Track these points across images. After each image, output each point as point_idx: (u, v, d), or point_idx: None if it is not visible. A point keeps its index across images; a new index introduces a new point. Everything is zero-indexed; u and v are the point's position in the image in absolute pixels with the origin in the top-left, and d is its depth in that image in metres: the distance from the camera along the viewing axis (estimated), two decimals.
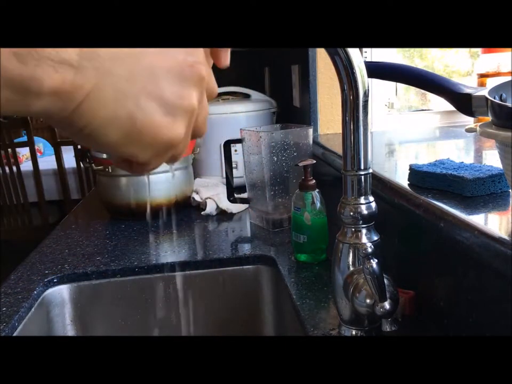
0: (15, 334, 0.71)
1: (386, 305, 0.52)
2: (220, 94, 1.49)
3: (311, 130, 1.05)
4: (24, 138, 2.83)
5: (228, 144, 1.08)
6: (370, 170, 0.57)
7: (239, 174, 1.24)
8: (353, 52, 0.53)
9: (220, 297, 0.90)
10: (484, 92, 0.49)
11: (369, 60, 1.24)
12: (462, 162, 0.67)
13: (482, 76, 1.21)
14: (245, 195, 1.13)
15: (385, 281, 0.53)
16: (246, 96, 1.52)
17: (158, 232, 1.08)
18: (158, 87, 0.32)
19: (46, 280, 0.84)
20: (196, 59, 0.34)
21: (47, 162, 2.98)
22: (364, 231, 0.57)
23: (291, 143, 1.01)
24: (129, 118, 0.31)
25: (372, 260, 0.51)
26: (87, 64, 0.28)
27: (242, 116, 1.38)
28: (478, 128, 0.47)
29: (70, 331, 0.86)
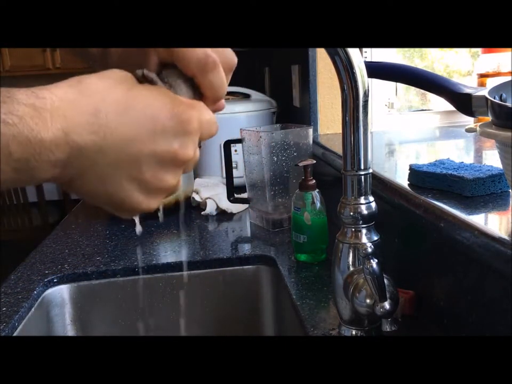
0: (15, 334, 0.71)
1: (386, 305, 0.52)
2: None
3: (311, 130, 1.05)
4: None
5: (227, 144, 1.08)
6: (370, 170, 0.57)
7: (239, 174, 1.23)
8: (353, 52, 0.53)
9: (220, 297, 0.90)
10: (484, 92, 0.49)
11: (369, 60, 1.24)
12: (462, 162, 0.67)
13: (482, 76, 1.21)
14: (245, 195, 1.13)
15: (385, 281, 0.53)
16: (246, 96, 1.52)
17: (158, 232, 1.08)
18: (140, 171, 0.35)
19: (46, 280, 0.84)
20: (182, 146, 0.36)
21: None
22: (363, 231, 0.57)
23: (291, 143, 1.01)
24: (111, 195, 0.35)
25: (372, 260, 0.51)
26: (75, 160, 0.32)
27: (242, 116, 1.38)
28: (478, 128, 0.47)
29: (70, 331, 0.86)
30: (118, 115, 0.33)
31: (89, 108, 0.32)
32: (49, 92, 0.31)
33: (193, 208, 1.22)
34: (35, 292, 0.80)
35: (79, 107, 0.32)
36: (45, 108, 0.30)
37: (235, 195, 1.11)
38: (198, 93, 0.41)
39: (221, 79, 0.41)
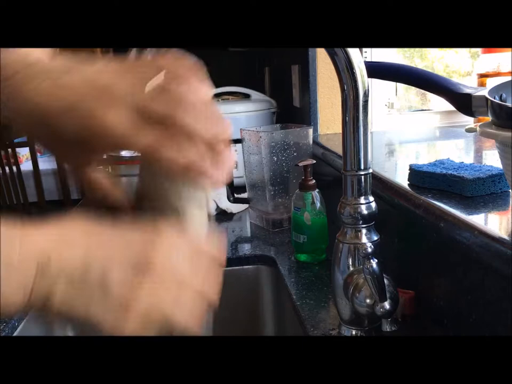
0: (15, 334, 0.71)
1: (386, 305, 0.52)
2: (220, 94, 1.49)
3: (311, 130, 1.05)
4: (24, 138, 2.83)
5: None
6: (370, 170, 0.57)
7: (239, 174, 1.23)
8: (353, 52, 0.53)
9: (220, 297, 0.90)
10: (484, 92, 0.49)
11: (369, 60, 1.24)
12: (462, 162, 0.67)
13: (482, 76, 1.21)
14: (245, 195, 1.13)
15: (385, 281, 0.53)
16: (246, 96, 1.52)
17: None
18: (107, 277, 0.34)
19: None
20: (150, 254, 0.36)
21: (47, 162, 2.97)
22: (363, 231, 0.57)
23: (291, 143, 1.01)
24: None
25: (372, 260, 0.51)
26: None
27: (242, 116, 1.38)
28: (478, 128, 0.47)
29: (70, 331, 0.86)
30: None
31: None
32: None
33: None
34: None
35: None
36: None
37: (235, 195, 1.11)
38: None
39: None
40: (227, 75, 1.96)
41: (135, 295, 0.35)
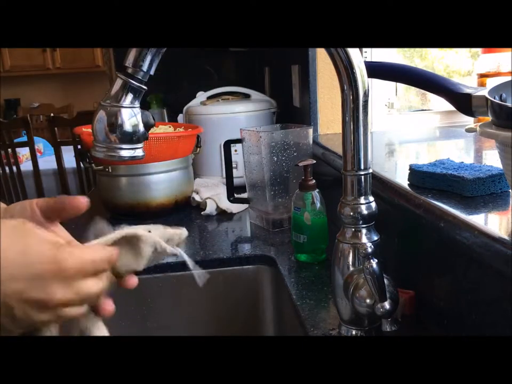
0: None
1: (386, 305, 0.52)
2: (220, 94, 1.49)
3: (311, 130, 1.05)
4: (24, 138, 2.83)
5: (228, 144, 1.08)
6: (370, 170, 0.57)
7: (239, 174, 1.23)
8: (353, 52, 0.53)
9: (220, 297, 0.90)
10: (484, 92, 0.49)
11: (369, 60, 1.24)
12: (462, 162, 0.67)
13: (482, 76, 1.21)
14: (245, 195, 1.13)
15: (385, 281, 0.53)
16: (246, 96, 1.52)
17: None
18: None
19: None
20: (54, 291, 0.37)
21: (47, 162, 2.97)
22: (363, 231, 0.57)
23: (291, 143, 1.01)
24: None
25: (372, 260, 0.51)
26: None
27: (242, 116, 1.38)
28: (478, 128, 0.47)
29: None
30: None
31: None
32: None
33: (193, 208, 1.22)
34: None
35: None
36: None
37: (235, 195, 1.11)
38: None
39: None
40: (227, 75, 1.96)
41: None
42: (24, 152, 3.08)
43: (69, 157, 2.92)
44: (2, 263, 0.35)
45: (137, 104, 0.54)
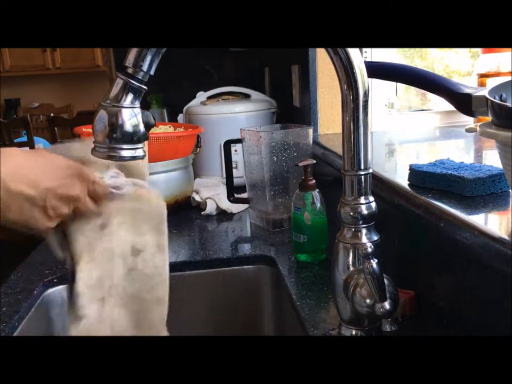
0: (15, 334, 0.71)
1: (386, 305, 0.52)
2: (220, 94, 1.49)
3: (311, 130, 1.05)
4: (24, 138, 2.83)
5: (228, 144, 1.08)
6: (370, 170, 0.57)
7: (239, 174, 1.23)
8: (353, 52, 0.53)
9: (220, 297, 0.90)
10: (484, 92, 0.49)
11: (369, 60, 1.24)
12: (462, 162, 0.67)
13: (482, 76, 1.21)
14: (245, 195, 1.13)
15: (385, 281, 0.53)
16: (246, 96, 1.52)
17: None
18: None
19: (46, 280, 0.84)
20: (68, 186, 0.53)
21: None
22: (363, 231, 0.57)
23: (291, 143, 1.01)
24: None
25: (372, 260, 0.51)
26: None
27: (242, 116, 1.38)
28: (478, 128, 0.47)
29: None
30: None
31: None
32: None
33: (193, 208, 1.22)
34: (35, 292, 0.80)
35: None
36: None
37: (235, 195, 1.11)
38: None
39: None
40: (227, 75, 1.96)
41: None
42: None
43: None
44: (42, 170, 0.50)
45: (137, 104, 0.54)
